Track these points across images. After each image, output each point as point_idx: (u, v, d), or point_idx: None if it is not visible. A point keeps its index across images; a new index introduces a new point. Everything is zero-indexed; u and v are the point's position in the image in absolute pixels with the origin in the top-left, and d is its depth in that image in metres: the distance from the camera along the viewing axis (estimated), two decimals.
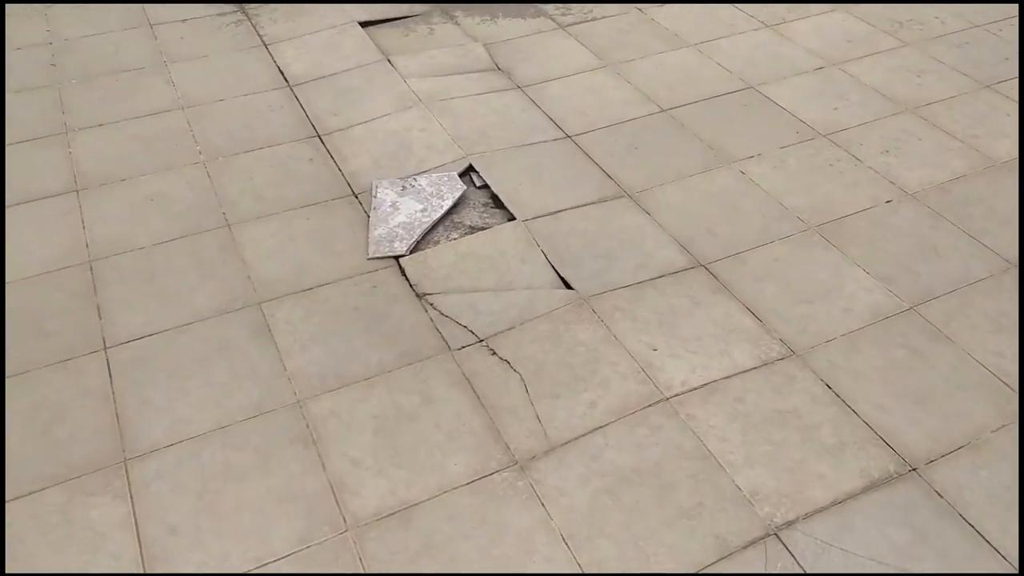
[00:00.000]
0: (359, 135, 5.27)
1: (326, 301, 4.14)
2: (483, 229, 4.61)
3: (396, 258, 4.39)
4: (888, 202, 4.72)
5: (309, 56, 6.06)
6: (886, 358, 3.83)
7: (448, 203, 4.71)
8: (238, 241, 4.48)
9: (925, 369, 3.77)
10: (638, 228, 4.56)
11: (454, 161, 5.04)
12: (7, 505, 3.21)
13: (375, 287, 4.23)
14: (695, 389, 3.68)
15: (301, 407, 3.63)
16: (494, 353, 3.86)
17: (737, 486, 3.32)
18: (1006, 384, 3.68)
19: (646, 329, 3.96)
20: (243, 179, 4.92)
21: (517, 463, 3.41)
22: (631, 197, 4.78)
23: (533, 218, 4.62)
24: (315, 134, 5.30)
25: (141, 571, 2.99)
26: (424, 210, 4.66)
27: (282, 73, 5.89)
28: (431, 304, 4.12)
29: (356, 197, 4.81)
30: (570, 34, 6.32)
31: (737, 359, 3.82)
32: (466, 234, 4.59)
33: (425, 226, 4.56)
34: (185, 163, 5.04)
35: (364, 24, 6.39)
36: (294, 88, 5.73)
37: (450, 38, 6.27)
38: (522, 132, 5.30)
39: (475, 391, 3.69)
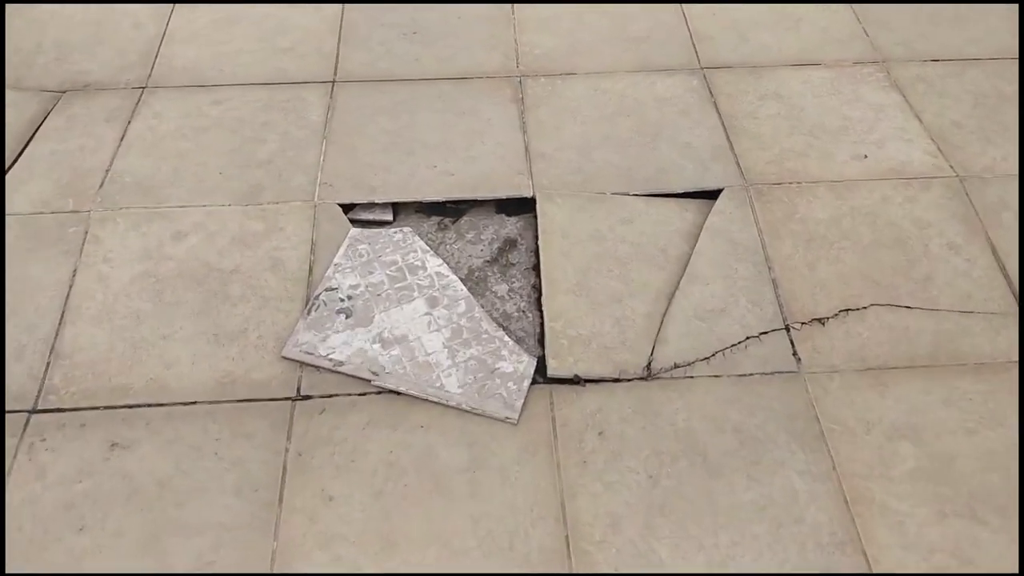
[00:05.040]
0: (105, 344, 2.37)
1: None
2: (511, 244, 2.65)
3: (541, 377, 2.30)
4: None
5: None
6: None
7: (433, 261, 2.53)
8: None
9: None
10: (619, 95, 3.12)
11: (329, 225, 2.65)
12: None
13: (636, 414, 2.19)
14: None
15: None
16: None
17: None
18: None
19: None
20: None
21: None
22: (539, 76, 3.19)
23: (539, 175, 2.80)
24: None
25: None
26: (435, 300, 2.43)
27: None
28: (684, 369, 2.33)
29: (300, 402, 2.26)
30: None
31: None
32: (506, 268, 2.59)
33: (476, 310, 2.41)
34: None
35: None
36: None
37: None
38: (304, 131, 2.99)
39: None
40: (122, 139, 2.94)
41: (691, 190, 2.78)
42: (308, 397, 2.28)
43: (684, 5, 3.52)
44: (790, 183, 2.80)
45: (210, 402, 2.27)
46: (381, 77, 3.22)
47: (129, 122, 3.01)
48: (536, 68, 3.24)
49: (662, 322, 2.44)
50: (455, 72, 3.22)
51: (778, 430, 2.22)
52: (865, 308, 2.48)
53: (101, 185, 2.77)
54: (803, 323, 2.45)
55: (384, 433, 2.21)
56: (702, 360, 2.36)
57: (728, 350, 2.38)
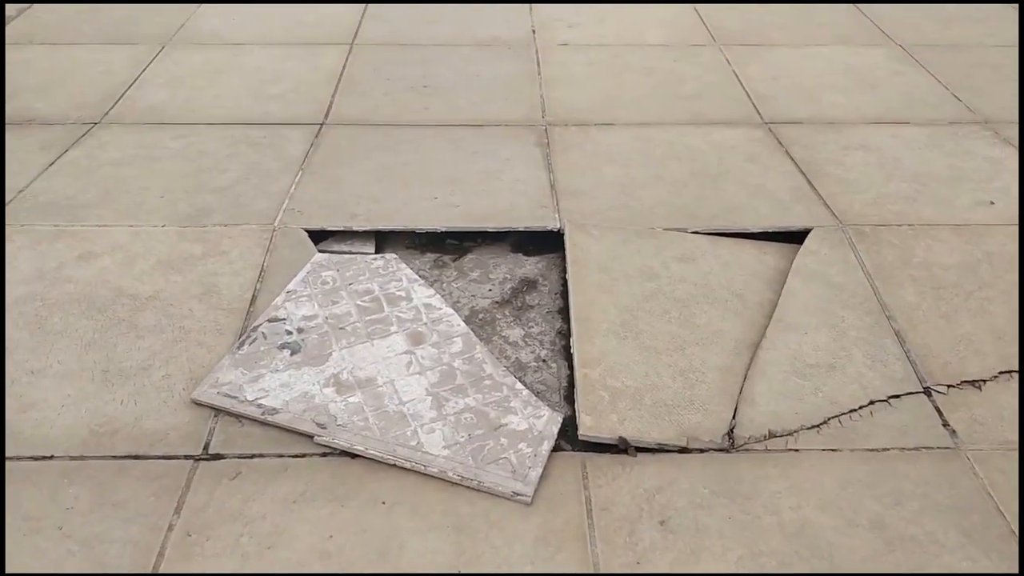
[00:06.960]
0: None
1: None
2: (529, 285, 1.96)
3: (568, 444, 1.53)
4: None
5: None
6: None
7: (422, 292, 1.84)
8: None
9: None
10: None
11: (289, 251, 2.00)
12: None
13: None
14: None
15: None
16: None
17: None
18: None
19: None
20: None
21: None
22: (569, 124, 2.64)
23: (569, 210, 2.16)
24: None
25: None
26: (420, 336, 1.72)
27: None
28: (784, 439, 1.56)
29: (206, 462, 1.51)
30: None
31: None
32: (522, 311, 1.89)
33: (477, 349, 1.69)
34: None
35: None
36: None
37: None
38: (278, 162, 2.42)
39: None
40: (51, 164, 2.38)
41: (768, 230, 2.13)
42: (219, 456, 1.52)
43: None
44: (899, 225, 2.14)
45: (73, 458, 1.51)
46: (382, 122, 2.69)
47: (67, 150, 2.46)
48: (565, 118, 2.71)
49: (746, 376, 1.69)
50: (470, 120, 2.70)
51: (944, 527, 1.41)
52: None
53: (6, 203, 2.18)
54: (950, 386, 1.69)
55: (324, 510, 1.42)
56: (810, 428, 1.59)
57: (846, 416, 1.62)
